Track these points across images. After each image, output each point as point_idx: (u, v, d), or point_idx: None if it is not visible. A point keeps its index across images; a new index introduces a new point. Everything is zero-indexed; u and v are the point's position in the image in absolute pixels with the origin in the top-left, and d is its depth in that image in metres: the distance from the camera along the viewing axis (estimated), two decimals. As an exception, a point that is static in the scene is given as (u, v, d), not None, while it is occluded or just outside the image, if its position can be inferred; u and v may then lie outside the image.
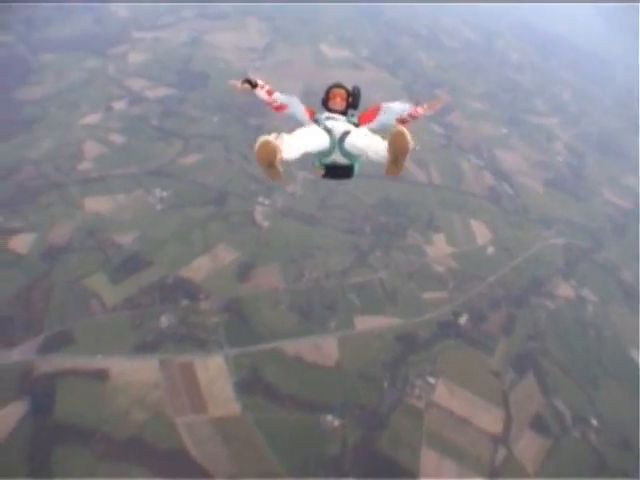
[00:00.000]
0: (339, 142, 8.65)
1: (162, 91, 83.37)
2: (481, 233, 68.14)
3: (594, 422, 48.90)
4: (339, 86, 9.80)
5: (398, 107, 9.19)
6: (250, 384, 44.24)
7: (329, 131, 8.66)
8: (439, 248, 63.41)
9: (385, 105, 9.31)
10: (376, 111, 9.39)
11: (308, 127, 8.69)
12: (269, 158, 6.97)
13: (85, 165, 64.87)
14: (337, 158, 9.04)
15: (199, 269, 53.28)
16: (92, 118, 74.23)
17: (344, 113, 9.48)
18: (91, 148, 67.75)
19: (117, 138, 70.67)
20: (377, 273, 57.63)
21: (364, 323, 51.75)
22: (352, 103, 9.79)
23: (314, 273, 55.72)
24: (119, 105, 78.41)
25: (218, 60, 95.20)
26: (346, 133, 8.59)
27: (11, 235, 53.45)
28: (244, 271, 54.24)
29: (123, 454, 38.01)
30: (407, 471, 41.40)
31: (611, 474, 44.58)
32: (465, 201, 73.35)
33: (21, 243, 52.77)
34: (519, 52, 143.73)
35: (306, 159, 8.60)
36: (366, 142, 7.99)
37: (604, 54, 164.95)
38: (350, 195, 66.16)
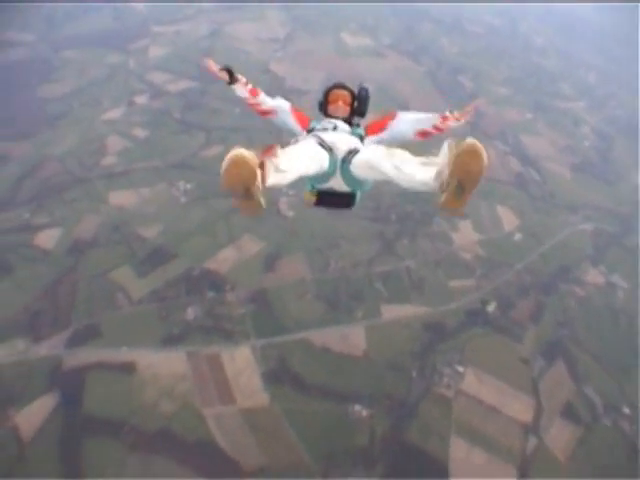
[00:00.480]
0: (342, 163, 6.97)
1: (183, 84, 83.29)
2: (508, 219, 66.96)
3: (626, 410, 47.59)
4: (341, 86, 8.10)
5: (420, 116, 7.45)
6: (278, 375, 44.11)
7: (329, 149, 6.90)
8: (466, 235, 62.45)
9: (402, 114, 7.57)
10: (389, 120, 7.65)
11: (304, 141, 6.92)
12: (246, 182, 5.40)
13: (109, 160, 65.26)
14: (335, 184, 7.42)
15: (224, 260, 53.21)
16: (114, 113, 74.64)
17: (348, 122, 7.80)
18: (114, 143, 68.13)
19: (140, 132, 70.92)
20: (403, 261, 56.98)
21: (391, 312, 51.19)
22: (358, 109, 8.03)
23: (340, 262, 55.28)
24: (141, 99, 78.66)
25: (239, 52, 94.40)
26: (352, 152, 6.88)
27: (37, 231, 54.05)
28: (270, 262, 54.03)
29: (152, 446, 38.20)
30: (436, 460, 40.89)
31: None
32: (491, 187, 71.95)
33: (47, 239, 53.32)
34: (543, 36, 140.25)
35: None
36: (395, 164, 5.95)
37: (628, 35, 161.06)
38: (375, 184, 65.29)
